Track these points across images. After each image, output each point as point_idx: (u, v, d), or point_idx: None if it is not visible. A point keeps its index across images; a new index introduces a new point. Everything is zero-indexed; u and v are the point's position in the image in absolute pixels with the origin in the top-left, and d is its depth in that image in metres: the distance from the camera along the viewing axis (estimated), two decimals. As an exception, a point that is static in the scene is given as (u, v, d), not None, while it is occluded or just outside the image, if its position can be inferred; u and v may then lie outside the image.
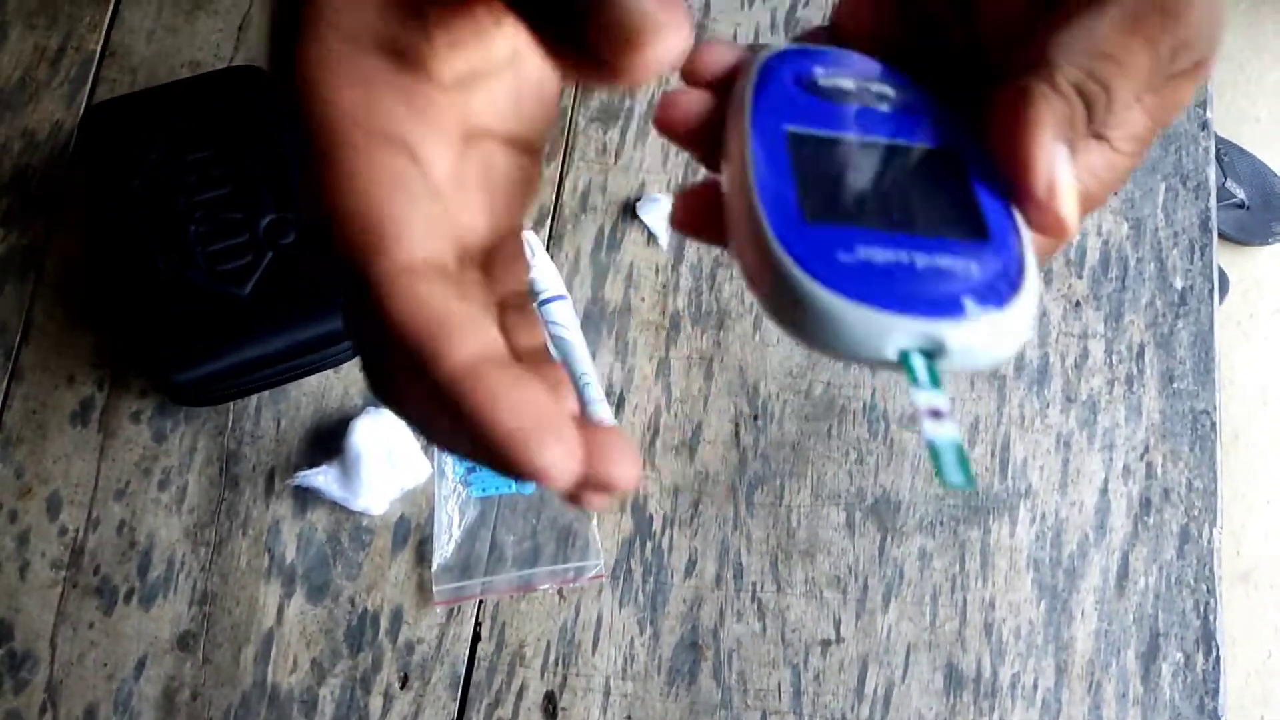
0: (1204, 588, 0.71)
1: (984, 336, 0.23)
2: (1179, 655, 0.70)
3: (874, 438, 0.73)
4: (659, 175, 0.78)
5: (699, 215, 0.28)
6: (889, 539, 0.71)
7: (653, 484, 0.71)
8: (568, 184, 0.77)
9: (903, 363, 0.23)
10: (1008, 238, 0.26)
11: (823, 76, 0.29)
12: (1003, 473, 0.73)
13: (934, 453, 0.22)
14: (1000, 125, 0.26)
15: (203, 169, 0.70)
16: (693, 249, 0.76)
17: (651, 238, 0.76)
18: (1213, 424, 0.75)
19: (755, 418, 0.73)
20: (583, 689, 0.67)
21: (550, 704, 0.67)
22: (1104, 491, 0.73)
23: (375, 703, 0.67)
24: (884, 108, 0.28)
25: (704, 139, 0.28)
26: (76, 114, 0.78)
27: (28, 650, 0.67)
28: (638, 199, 0.77)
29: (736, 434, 0.72)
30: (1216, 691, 0.69)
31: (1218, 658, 0.70)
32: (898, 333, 0.23)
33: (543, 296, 0.72)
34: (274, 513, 0.70)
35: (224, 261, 0.68)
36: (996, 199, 0.26)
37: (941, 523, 0.71)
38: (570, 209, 0.77)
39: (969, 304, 0.24)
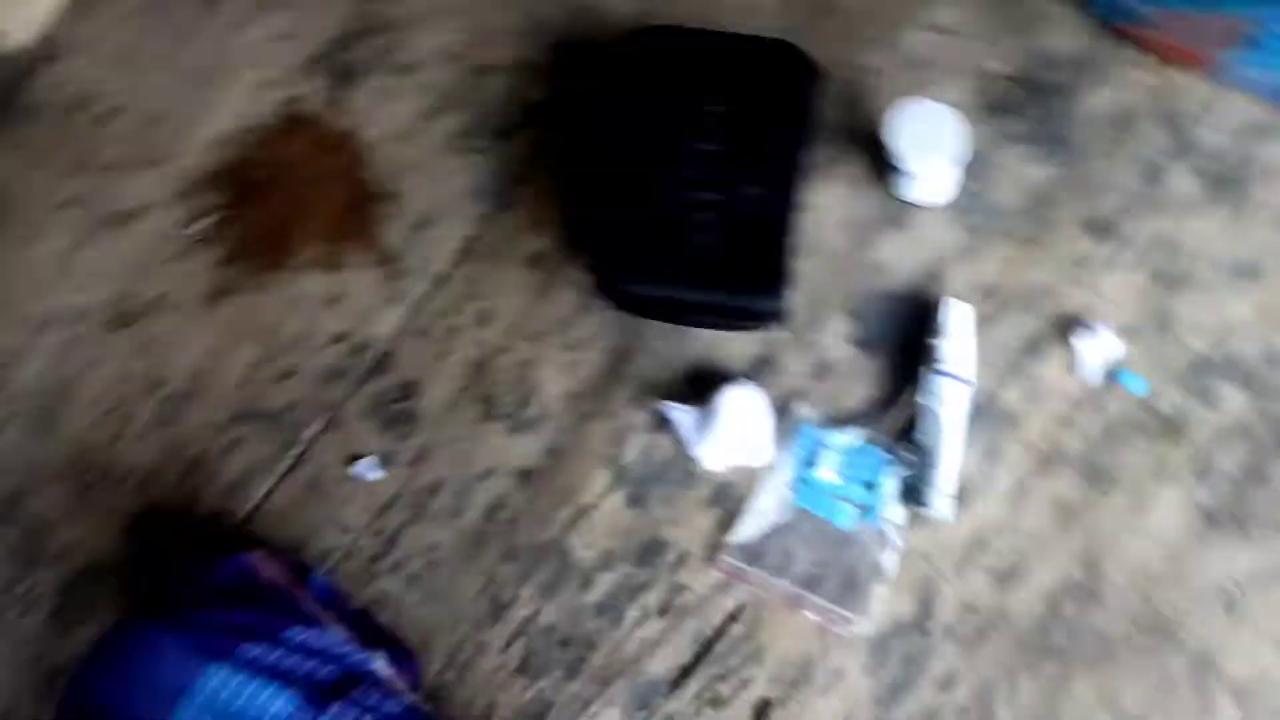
0: None
1: None
2: None
3: (1196, 689, 0.68)
4: (1114, 310, 0.75)
5: None
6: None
7: (953, 589, 0.73)
8: (1020, 274, 0.77)
9: None
10: None
11: None
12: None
13: None
14: None
15: (714, 121, 0.76)
16: (1116, 402, 0.73)
17: (1074, 367, 0.75)
18: None
19: (1085, 593, 0.71)
20: (794, 718, 0.73)
21: (763, 710, 0.73)
22: None
23: (633, 613, 0.76)
24: None
25: None
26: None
27: (417, 413, 0.83)
28: (1081, 322, 0.75)
29: (1057, 598, 0.71)
30: None
31: None
32: None
33: (943, 368, 0.74)
34: (633, 418, 0.80)
35: (697, 210, 0.75)
36: None
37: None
38: (1016, 297, 0.76)
39: None
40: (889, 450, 0.75)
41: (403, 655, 0.76)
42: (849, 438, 0.76)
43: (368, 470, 0.82)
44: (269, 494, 0.84)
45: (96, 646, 0.62)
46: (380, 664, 0.71)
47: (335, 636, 0.69)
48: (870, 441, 0.76)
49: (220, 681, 0.60)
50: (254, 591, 0.69)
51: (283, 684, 0.62)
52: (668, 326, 0.81)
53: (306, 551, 0.81)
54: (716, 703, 0.74)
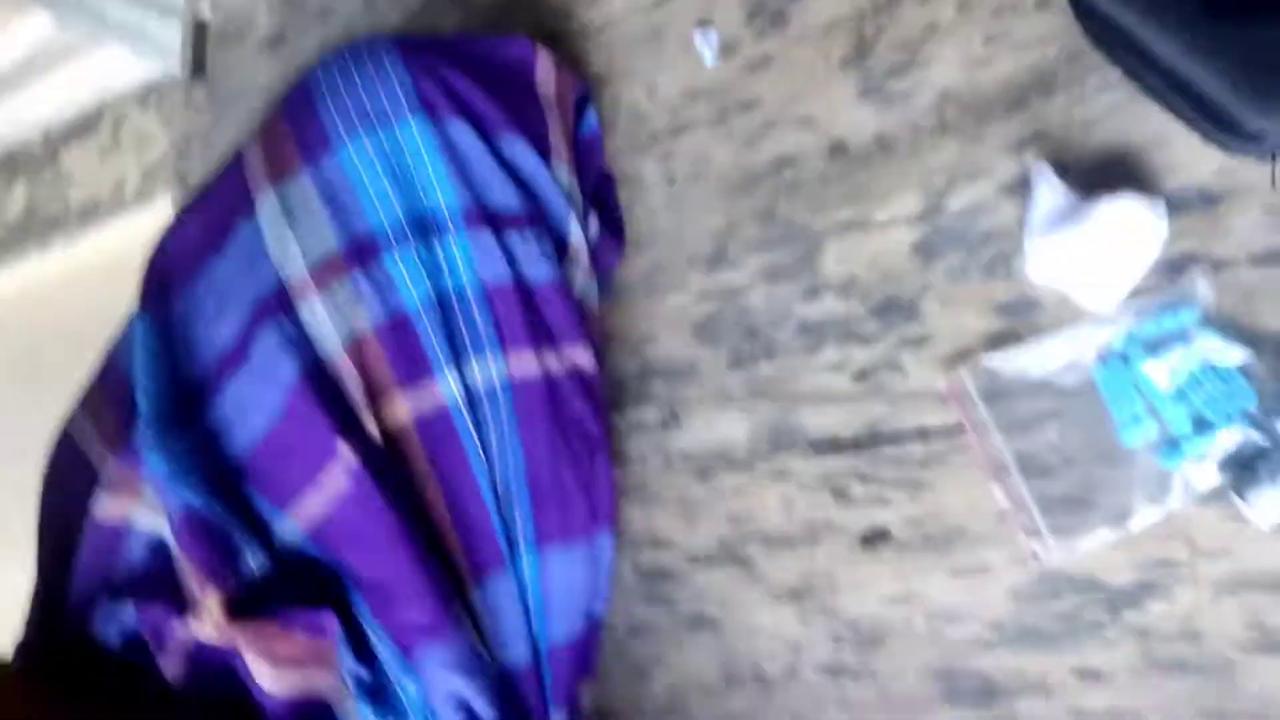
0: None
1: None
2: None
3: None
4: None
5: None
6: None
7: (1190, 600, 0.51)
8: None
9: None
10: None
11: None
12: None
13: None
14: None
15: None
16: None
17: None
18: None
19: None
20: (904, 540, 0.60)
21: (874, 537, 0.60)
22: None
23: (831, 354, 0.64)
24: None
25: None
26: None
27: (787, 17, 0.69)
28: None
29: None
30: None
31: None
32: None
33: None
34: (995, 161, 0.60)
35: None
36: None
37: None
38: None
39: None
40: (1263, 407, 0.51)
41: (612, 235, 0.71)
42: (1228, 356, 0.52)
43: (707, 46, 0.72)
44: (614, 15, 0.77)
45: (342, 48, 0.61)
46: (577, 228, 0.65)
47: (555, 178, 0.64)
48: (1250, 378, 0.51)
49: (410, 138, 0.58)
50: (516, 85, 0.64)
51: (460, 181, 0.58)
52: (1124, 83, 0.57)
53: (601, 90, 0.76)
54: (840, 494, 0.62)
